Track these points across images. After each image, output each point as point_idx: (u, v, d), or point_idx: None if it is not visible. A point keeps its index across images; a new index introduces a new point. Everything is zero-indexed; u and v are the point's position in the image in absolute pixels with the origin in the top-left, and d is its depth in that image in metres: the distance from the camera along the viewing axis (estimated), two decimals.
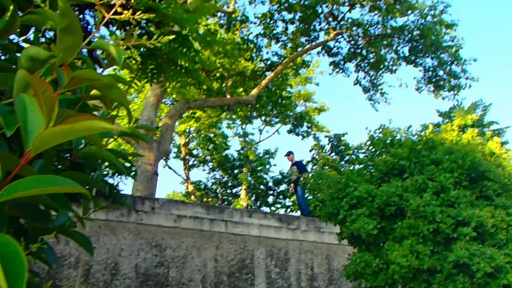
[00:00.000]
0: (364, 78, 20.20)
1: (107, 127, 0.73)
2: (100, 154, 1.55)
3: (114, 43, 1.50)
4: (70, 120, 0.76)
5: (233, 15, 18.66)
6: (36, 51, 1.09)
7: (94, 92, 1.67)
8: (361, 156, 7.73)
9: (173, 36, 1.41)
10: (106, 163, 1.90)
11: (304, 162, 17.71)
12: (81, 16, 5.26)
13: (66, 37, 1.07)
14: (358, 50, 19.44)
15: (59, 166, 1.72)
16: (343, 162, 23.15)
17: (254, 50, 19.64)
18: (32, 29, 1.99)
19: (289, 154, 14.04)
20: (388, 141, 7.21)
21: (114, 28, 5.80)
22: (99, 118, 0.77)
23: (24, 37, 1.93)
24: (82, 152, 1.59)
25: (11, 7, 1.31)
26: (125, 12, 1.33)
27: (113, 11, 1.32)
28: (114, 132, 2.04)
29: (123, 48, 1.42)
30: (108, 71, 1.77)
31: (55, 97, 0.79)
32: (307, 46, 19.15)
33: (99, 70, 1.79)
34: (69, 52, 1.09)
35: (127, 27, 5.73)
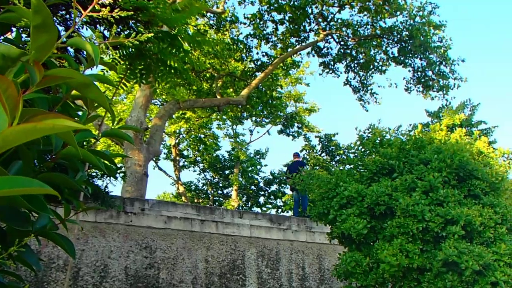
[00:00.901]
0: (354, 78, 20.27)
1: (72, 126, 0.71)
2: (77, 155, 1.52)
3: (94, 42, 1.48)
4: (36, 118, 0.74)
5: (223, 16, 18.65)
6: (7, 48, 1.06)
7: (76, 92, 1.64)
8: (351, 156, 7.74)
9: (151, 35, 1.39)
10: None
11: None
12: (68, 16, 5.21)
13: (40, 34, 1.05)
14: (348, 51, 19.51)
15: (40, 168, 1.69)
16: (333, 162, 23.20)
17: (244, 51, 19.65)
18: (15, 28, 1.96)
19: (298, 155, 14.57)
20: (377, 141, 7.24)
21: (102, 28, 5.76)
22: (66, 117, 0.75)
23: (6, 35, 1.90)
24: (62, 153, 1.56)
25: None
26: (103, 9, 1.31)
27: (90, 8, 1.29)
28: (100, 131, 2.01)
29: (102, 46, 1.40)
30: (97, 71, 1.75)
31: (18, 95, 0.76)
32: (297, 47, 19.18)
33: (87, 71, 1.76)
34: (43, 50, 1.07)
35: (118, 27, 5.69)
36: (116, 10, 1.35)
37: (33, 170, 1.51)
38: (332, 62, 20.09)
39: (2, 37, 1.81)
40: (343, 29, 18.97)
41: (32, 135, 0.71)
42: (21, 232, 1.52)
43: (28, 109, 0.82)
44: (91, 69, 1.71)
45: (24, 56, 1.06)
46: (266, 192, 28.23)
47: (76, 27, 5.31)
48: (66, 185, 1.59)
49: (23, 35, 2.58)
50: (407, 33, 17.81)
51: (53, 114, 0.77)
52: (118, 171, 9.00)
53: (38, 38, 1.05)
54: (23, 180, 0.74)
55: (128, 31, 5.74)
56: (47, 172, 1.52)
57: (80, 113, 1.90)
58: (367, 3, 17.43)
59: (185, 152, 28.59)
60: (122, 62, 5.89)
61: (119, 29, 5.66)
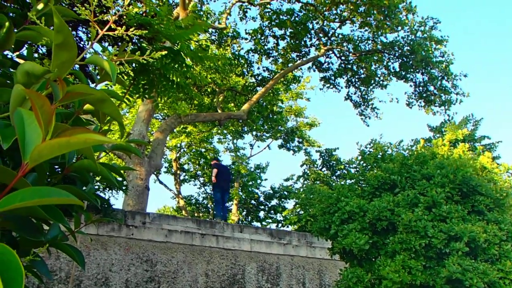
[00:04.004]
0: (355, 93, 20.33)
1: (103, 140, 0.75)
2: (93, 168, 1.56)
3: (107, 59, 1.52)
4: (67, 133, 0.78)
5: (225, 31, 18.79)
6: (32, 66, 1.10)
7: (87, 106, 1.69)
8: (352, 171, 7.75)
9: (165, 52, 1.44)
10: (98, 178, 1.91)
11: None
12: (74, 32, 5.28)
13: (61, 52, 1.09)
14: (349, 66, 19.59)
15: (51, 180, 1.73)
16: (334, 177, 23.17)
17: (245, 66, 19.77)
18: (25, 45, 2.01)
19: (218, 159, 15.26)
20: (379, 156, 7.23)
21: (107, 44, 5.83)
22: (94, 131, 0.79)
23: (18, 52, 1.94)
24: (74, 165, 1.60)
25: (7, 24, 1.33)
26: (119, 28, 1.36)
27: (107, 27, 1.34)
28: (107, 145, 2.05)
29: (116, 63, 1.44)
30: (100, 86, 1.79)
31: (52, 111, 0.81)
32: (298, 62, 19.27)
33: (92, 85, 1.80)
34: (64, 67, 1.11)
35: (119, 43, 5.77)
36: (131, 29, 1.39)
37: (45, 183, 1.54)
38: (333, 77, 20.17)
39: (15, 54, 1.86)
40: (344, 44, 19.07)
41: (65, 148, 0.75)
42: (33, 242, 1.55)
43: (57, 124, 0.86)
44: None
45: (47, 74, 1.11)
46: (266, 206, 28.18)
47: (82, 43, 5.36)
48: (79, 198, 1.62)
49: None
50: (408, 48, 17.88)
51: (81, 129, 0.81)
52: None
53: (59, 55, 1.09)
54: (52, 191, 0.78)
55: (132, 46, 5.81)
56: (60, 184, 1.55)
57: (88, 127, 1.94)
58: (368, 18, 17.53)
59: (185, 166, 28.64)
60: (126, 77, 5.96)
61: (119, 44, 5.74)
